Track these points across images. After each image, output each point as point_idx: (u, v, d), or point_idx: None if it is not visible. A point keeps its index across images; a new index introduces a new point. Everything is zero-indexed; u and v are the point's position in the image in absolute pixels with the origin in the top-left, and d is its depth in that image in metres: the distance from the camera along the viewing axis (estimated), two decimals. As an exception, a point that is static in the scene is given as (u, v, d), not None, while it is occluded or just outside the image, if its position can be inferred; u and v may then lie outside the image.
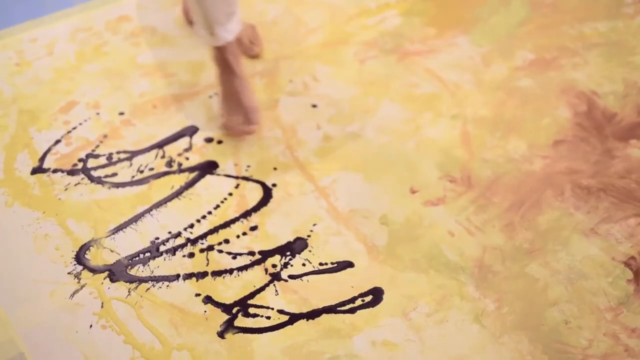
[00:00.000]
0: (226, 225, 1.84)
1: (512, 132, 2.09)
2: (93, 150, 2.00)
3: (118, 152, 2.00)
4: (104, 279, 1.72)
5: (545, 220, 1.87)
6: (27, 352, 1.57)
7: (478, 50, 2.37)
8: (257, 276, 1.75)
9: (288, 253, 1.79)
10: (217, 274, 1.75)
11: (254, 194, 1.92)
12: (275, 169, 1.97)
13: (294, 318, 1.66)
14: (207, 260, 1.77)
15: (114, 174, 1.94)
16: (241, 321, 1.66)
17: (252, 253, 1.79)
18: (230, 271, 1.75)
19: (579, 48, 2.37)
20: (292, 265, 1.77)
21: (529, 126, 2.11)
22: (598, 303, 1.70)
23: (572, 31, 2.44)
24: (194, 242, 1.81)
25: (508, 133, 2.09)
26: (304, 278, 1.74)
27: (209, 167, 1.98)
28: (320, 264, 1.77)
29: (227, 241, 1.81)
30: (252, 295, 1.71)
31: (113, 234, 1.81)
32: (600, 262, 1.78)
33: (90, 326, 1.62)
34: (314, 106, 2.15)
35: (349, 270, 1.76)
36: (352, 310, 1.68)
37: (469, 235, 1.83)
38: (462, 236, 1.83)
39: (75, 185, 1.91)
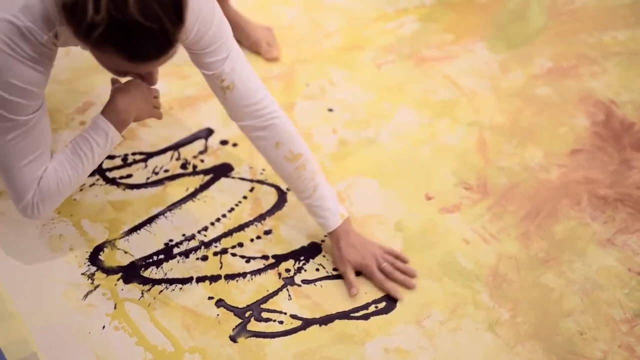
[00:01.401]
0: (240, 228, 1.84)
1: (528, 140, 2.08)
2: (109, 151, 2.00)
3: (133, 154, 2.00)
4: (118, 280, 1.72)
5: (561, 229, 1.86)
6: (39, 352, 1.57)
7: (495, 57, 2.36)
8: (270, 280, 1.74)
9: (302, 258, 1.79)
10: (230, 277, 1.74)
11: (269, 197, 1.91)
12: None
13: (307, 323, 1.66)
14: (221, 263, 1.77)
15: (129, 175, 1.94)
16: (254, 325, 1.65)
17: (265, 257, 1.78)
18: (244, 275, 1.75)
19: (597, 57, 2.36)
20: (305, 270, 1.76)
21: (546, 134, 2.10)
22: (613, 314, 1.69)
23: (590, 39, 2.43)
24: (207, 245, 1.80)
25: (525, 141, 2.08)
26: (318, 283, 1.74)
27: (223, 170, 1.97)
28: (334, 269, 1.76)
29: (241, 244, 1.81)
30: (265, 299, 1.70)
31: (127, 235, 1.81)
32: (616, 273, 1.77)
33: (103, 327, 1.62)
34: (330, 110, 2.15)
35: (362, 276, 1.75)
36: (365, 317, 1.67)
37: (484, 243, 1.82)
38: (477, 244, 1.82)
39: (90, 186, 1.91)
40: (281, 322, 1.66)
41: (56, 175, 1.56)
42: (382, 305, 1.70)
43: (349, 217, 1.73)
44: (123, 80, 1.63)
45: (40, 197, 1.56)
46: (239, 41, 2.26)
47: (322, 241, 1.82)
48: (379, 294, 1.71)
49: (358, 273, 1.74)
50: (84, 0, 1.24)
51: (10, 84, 1.41)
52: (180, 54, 2.25)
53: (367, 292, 1.72)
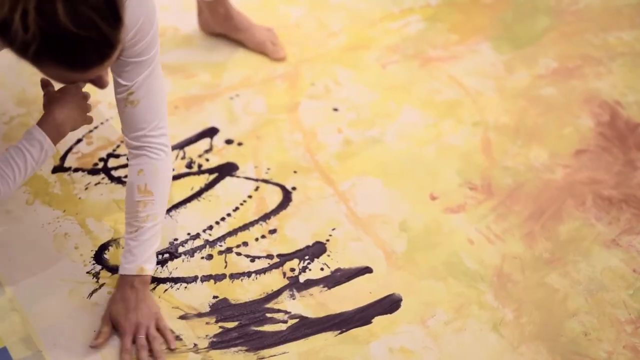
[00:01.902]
0: (245, 227, 1.84)
1: (533, 140, 2.08)
2: (114, 150, 2.00)
3: (139, 152, 2.00)
4: (123, 278, 1.72)
5: (566, 230, 1.86)
6: (44, 351, 1.58)
7: (500, 57, 2.36)
8: (275, 279, 1.74)
9: (307, 257, 1.79)
10: (235, 276, 1.75)
11: (274, 197, 1.91)
12: (295, 172, 1.97)
13: (311, 323, 1.66)
14: (226, 262, 1.77)
15: (134, 174, 1.95)
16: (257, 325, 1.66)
17: (270, 256, 1.79)
18: (249, 274, 1.75)
19: (602, 57, 2.36)
20: (310, 270, 1.76)
21: (550, 135, 2.10)
22: (618, 315, 1.69)
23: (596, 40, 2.42)
24: (212, 244, 1.81)
25: (529, 141, 2.08)
26: (322, 282, 1.74)
27: (228, 169, 1.98)
28: (339, 269, 1.76)
29: (245, 244, 1.81)
30: (270, 298, 1.70)
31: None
32: (621, 273, 1.77)
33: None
34: (335, 110, 2.15)
35: (367, 275, 1.76)
36: (368, 320, 1.67)
37: (488, 243, 1.82)
38: (482, 244, 1.82)
39: (96, 184, 1.91)
40: (285, 322, 1.66)
41: None
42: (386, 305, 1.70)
43: (148, 278, 1.62)
44: (56, 84, 1.54)
45: None
46: (242, 42, 2.28)
47: (327, 240, 1.82)
48: (383, 294, 1.72)
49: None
50: (10, 19, 1.17)
51: None
52: (183, 52, 2.26)
53: (371, 292, 1.72)
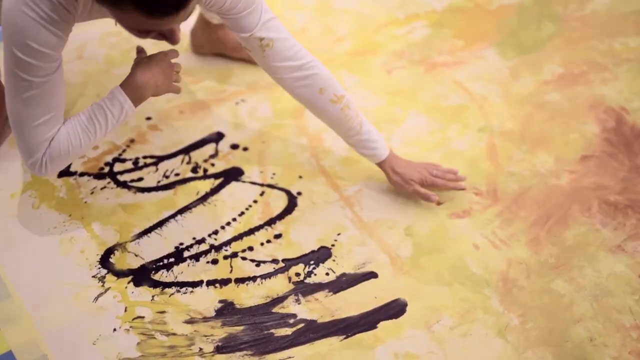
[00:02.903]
0: (250, 232, 1.85)
1: (539, 146, 2.08)
2: (120, 155, 2.00)
3: (144, 157, 2.00)
4: (128, 283, 1.73)
5: (572, 235, 1.86)
6: (50, 354, 1.58)
7: (506, 63, 2.36)
8: (280, 284, 1.74)
9: (312, 262, 1.79)
10: (240, 281, 1.75)
11: (279, 201, 1.92)
12: (300, 177, 1.97)
13: (316, 328, 1.66)
14: (231, 267, 1.77)
15: (140, 179, 1.95)
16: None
17: (275, 261, 1.79)
18: (254, 278, 1.75)
19: (608, 63, 2.36)
20: (315, 274, 1.77)
21: (556, 140, 2.10)
22: (623, 321, 1.69)
23: (601, 46, 2.42)
24: (218, 248, 1.81)
25: (535, 147, 2.08)
26: (327, 287, 1.74)
27: (234, 174, 1.98)
28: (344, 274, 1.76)
29: (251, 248, 1.81)
30: (275, 303, 1.70)
31: (138, 238, 1.82)
32: (627, 279, 1.77)
33: (114, 330, 1.63)
34: (341, 115, 2.15)
35: (372, 280, 1.76)
36: (373, 325, 1.67)
37: (494, 248, 1.82)
38: (487, 249, 1.82)
39: (102, 189, 1.92)
40: (290, 327, 1.66)
41: (68, 138, 1.59)
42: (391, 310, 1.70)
43: (392, 152, 1.87)
44: (149, 49, 1.65)
45: (50, 157, 1.59)
46: (243, 59, 2.28)
47: (333, 245, 1.82)
48: (388, 299, 1.72)
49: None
50: None
51: (27, 45, 1.44)
52: (189, 57, 2.27)
53: (376, 297, 1.72)
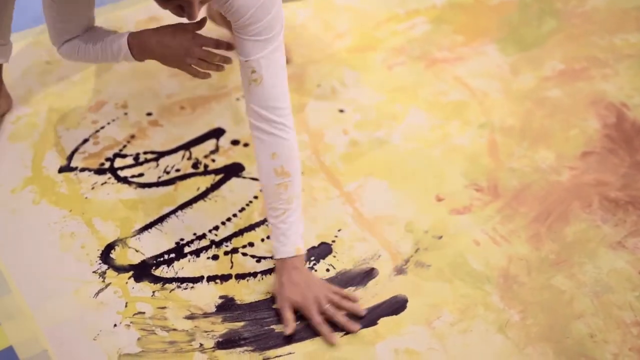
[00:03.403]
0: (251, 228, 1.85)
1: (539, 142, 2.08)
2: (120, 150, 2.00)
3: (145, 153, 2.00)
4: (129, 278, 1.72)
5: (572, 231, 1.86)
6: (50, 350, 1.58)
7: (506, 59, 2.36)
8: (281, 280, 1.74)
9: (312, 258, 1.79)
10: (241, 276, 1.75)
11: (280, 197, 1.92)
12: (301, 173, 1.97)
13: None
14: (232, 262, 1.77)
15: (141, 174, 1.95)
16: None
17: (276, 257, 1.79)
18: (254, 274, 1.75)
19: (609, 59, 2.36)
20: (316, 270, 1.76)
21: (557, 136, 2.10)
22: (624, 317, 1.69)
23: (602, 42, 2.42)
24: (218, 244, 1.81)
25: (536, 143, 2.08)
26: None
27: (235, 170, 1.98)
28: (344, 270, 1.76)
29: (251, 244, 1.81)
30: (276, 299, 1.70)
31: (138, 234, 1.82)
32: (627, 275, 1.77)
33: (115, 325, 1.63)
34: (341, 111, 2.15)
35: (372, 276, 1.75)
36: (374, 321, 1.67)
37: (494, 244, 1.82)
38: (488, 246, 1.82)
39: (102, 184, 1.92)
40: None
41: (78, 48, 1.75)
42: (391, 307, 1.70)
43: (303, 256, 1.67)
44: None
45: (63, 53, 1.79)
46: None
47: (333, 241, 1.82)
48: (388, 295, 1.71)
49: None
50: None
51: None
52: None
53: (377, 294, 1.72)
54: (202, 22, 1.66)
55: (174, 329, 1.63)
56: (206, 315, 1.67)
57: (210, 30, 2.32)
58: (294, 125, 1.67)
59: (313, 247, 1.81)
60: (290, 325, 1.62)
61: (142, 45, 1.68)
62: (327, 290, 1.67)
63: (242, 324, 1.66)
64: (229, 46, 1.70)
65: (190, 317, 1.66)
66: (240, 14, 1.57)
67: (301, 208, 1.69)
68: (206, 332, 1.63)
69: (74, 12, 1.71)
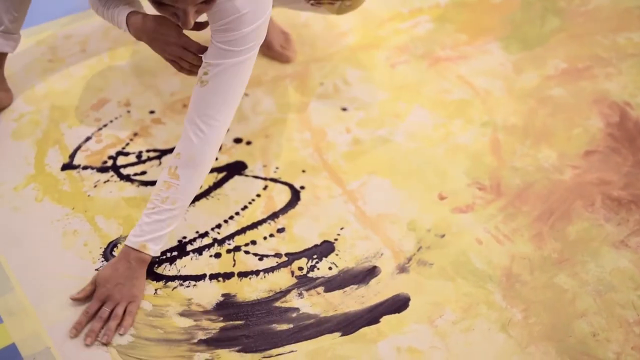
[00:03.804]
0: (253, 226, 1.85)
1: (542, 141, 2.08)
2: (123, 148, 2.00)
3: (148, 151, 2.00)
4: (131, 276, 1.72)
5: (575, 230, 1.86)
6: (52, 347, 1.58)
7: (510, 57, 2.35)
8: (283, 278, 1.74)
9: (315, 256, 1.79)
10: (243, 274, 1.75)
11: (282, 196, 1.92)
12: (303, 171, 1.97)
13: (319, 321, 1.66)
14: (234, 260, 1.77)
15: (143, 172, 1.95)
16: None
17: (279, 255, 1.79)
18: (257, 272, 1.75)
19: (612, 58, 2.35)
20: (318, 269, 1.76)
21: (559, 135, 2.10)
22: (627, 316, 1.69)
23: (605, 41, 2.42)
24: (221, 242, 1.81)
25: (538, 142, 2.07)
26: (330, 281, 1.74)
27: (237, 168, 1.98)
28: (347, 269, 1.76)
29: (254, 242, 1.81)
30: (278, 297, 1.70)
31: (141, 231, 1.82)
32: (630, 274, 1.77)
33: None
34: (344, 109, 2.15)
35: (375, 275, 1.75)
36: (376, 319, 1.67)
37: (497, 243, 1.82)
38: (490, 244, 1.82)
39: (105, 182, 1.92)
40: (293, 321, 1.66)
41: (97, 8, 1.80)
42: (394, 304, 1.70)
43: (147, 258, 1.64)
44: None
45: (91, 5, 1.83)
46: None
47: (336, 240, 1.82)
48: (391, 293, 1.71)
49: None
50: None
51: None
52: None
53: (379, 292, 1.72)
54: (201, 26, 1.67)
55: (176, 327, 1.63)
56: (208, 312, 1.67)
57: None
58: (217, 142, 1.66)
59: (316, 246, 1.81)
60: (81, 294, 1.63)
61: (136, 25, 1.73)
62: (126, 301, 1.63)
63: (244, 321, 1.66)
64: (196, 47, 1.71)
65: (192, 314, 1.66)
66: (220, 17, 1.57)
67: (176, 217, 1.65)
68: (207, 329, 1.63)
69: None
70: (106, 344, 1.58)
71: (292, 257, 1.79)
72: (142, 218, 1.65)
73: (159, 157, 1.98)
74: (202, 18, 1.63)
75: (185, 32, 1.70)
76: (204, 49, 1.68)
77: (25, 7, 1.91)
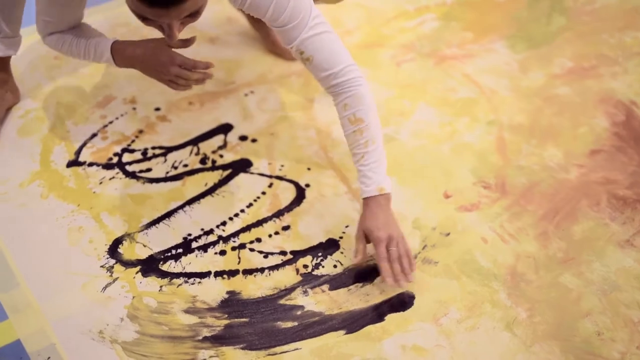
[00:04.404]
0: (258, 224, 1.85)
1: (548, 139, 2.08)
2: (128, 145, 2.01)
3: (153, 148, 2.01)
4: (136, 273, 1.73)
5: (580, 230, 1.86)
6: (58, 343, 1.58)
7: (515, 56, 2.35)
8: (288, 276, 1.74)
9: (320, 254, 1.79)
10: (248, 272, 1.75)
11: (287, 193, 1.92)
12: (309, 169, 1.97)
13: (324, 320, 1.66)
14: (239, 258, 1.77)
15: (149, 169, 1.95)
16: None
17: (283, 253, 1.79)
18: (262, 270, 1.75)
19: (618, 57, 2.35)
20: (323, 267, 1.76)
21: (565, 134, 2.09)
22: (632, 316, 1.68)
23: (611, 40, 2.42)
24: (226, 239, 1.81)
25: (544, 141, 2.07)
26: (334, 279, 1.74)
27: (242, 165, 1.98)
28: (352, 267, 1.76)
29: (259, 240, 1.81)
30: (282, 295, 1.71)
31: (146, 228, 1.82)
32: (635, 274, 1.76)
33: (121, 319, 1.63)
34: (350, 108, 2.15)
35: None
36: (381, 317, 1.67)
37: (502, 242, 1.82)
38: (496, 243, 1.82)
39: (110, 179, 1.92)
40: (297, 318, 1.66)
41: (63, 42, 1.82)
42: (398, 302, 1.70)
43: (388, 194, 1.71)
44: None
45: (48, 43, 1.85)
46: (259, 38, 2.29)
47: (340, 237, 1.82)
48: (396, 292, 1.71)
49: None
50: None
51: None
52: (198, 48, 2.26)
53: (384, 289, 1.72)
54: (188, 42, 1.71)
55: (181, 324, 1.64)
56: (213, 310, 1.67)
57: (220, 36, 2.33)
58: (359, 75, 1.72)
59: (320, 243, 1.81)
60: (359, 255, 1.71)
61: (124, 54, 1.76)
62: (402, 238, 1.71)
63: (248, 319, 1.66)
64: (207, 66, 1.73)
65: (197, 311, 1.66)
66: (262, 11, 1.63)
67: (381, 149, 1.73)
68: (212, 326, 1.64)
69: (64, 7, 1.77)
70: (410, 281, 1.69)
71: (297, 254, 1.79)
72: (360, 170, 1.72)
73: (164, 155, 1.99)
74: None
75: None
76: (199, 65, 1.72)
77: (20, 9, 1.92)
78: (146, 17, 1.50)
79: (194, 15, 1.53)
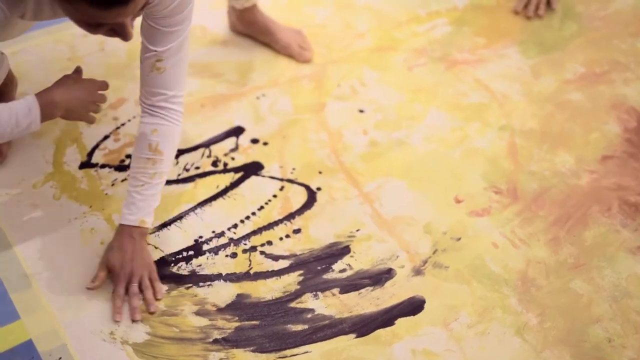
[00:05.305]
0: (270, 227, 1.85)
1: (560, 145, 2.07)
2: (140, 147, 2.01)
3: (165, 150, 2.01)
4: (147, 275, 1.73)
5: (591, 235, 1.85)
6: (69, 344, 1.59)
7: (527, 61, 2.35)
8: (298, 279, 1.75)
9: (330, 258, 1.79)
10: (258, 275, 1.75)
11: (298, 196, 1.92)
12: (320, 172, 1.98)
13: (334, 324, 1.66)
14: (250, 261, 1.78)
15: (160, 171, 1.96)
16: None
17: (294, 255, 1.79)
18: (272, 273, 1.76)
19: (630, 63, 2.35)
20: (333, 270, 1.77)
21: (577, 140, 2.09)
22: (643, 322, 1.68)
23: (624, 45, 2.41)
24: (237, 242, 1.81)
25: (556, 146, 2.07)
26: (345, 282, 1.74)
27: (254, 168, 1.98)
28: (362, 270, 1.77)
29: (270, 243, 1.82)
30: (293, 298, 1.71)
31: (157, 230, 1.82)
32: (646, 280, 1.76)
33: (133, 320, 1.64)
34: (361, 111, 2.15)
35: (390, 277, 1.75)
36: (391, 321, 1.67)
37: (513, 247, 1.82)
38: (506, 248, 1.82)
39: (122, 181, 1.93)
40: (307, 322, 1.67)
41: None
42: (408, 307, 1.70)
43: (146, 230, 1.71)
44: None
45: None
46: (269, 45, 2.29)
47: (351, 241, 1.82)
48: (406, 296, 1.71)
49: None
50: None
51: None
52: (210, 51, 2.27)
53: (394, 294, 1.72)
54: (79, 70, 1.72)
55: (191, 326, 1.64)
56: (223, 312, 1.67)
57: (231, 39, 2.33)
58: (181, 111, 1.73)
59: (331, 246, 1.81)
60: (97, 282, 1.67)
61: (50, 106, 1.61)
62: (146, 270, 1.69)
63: (258, 322, 1.66)
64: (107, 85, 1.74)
65: (207, 314, 1.67)
66: (165, 4, 1.57)
67: (161, 187, 1.72)
68: (222, 329, 1.64)
69: None
70: (153, 313, 1.65)
71: (308, 257, 1.79)
72: (133, 195, 1.69)
73: (176, 157, 1.99)
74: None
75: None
76: (105, 84, 1.73)
77: None
78: (101, 22, 1.41)
79: (144, 6, 1.46)
